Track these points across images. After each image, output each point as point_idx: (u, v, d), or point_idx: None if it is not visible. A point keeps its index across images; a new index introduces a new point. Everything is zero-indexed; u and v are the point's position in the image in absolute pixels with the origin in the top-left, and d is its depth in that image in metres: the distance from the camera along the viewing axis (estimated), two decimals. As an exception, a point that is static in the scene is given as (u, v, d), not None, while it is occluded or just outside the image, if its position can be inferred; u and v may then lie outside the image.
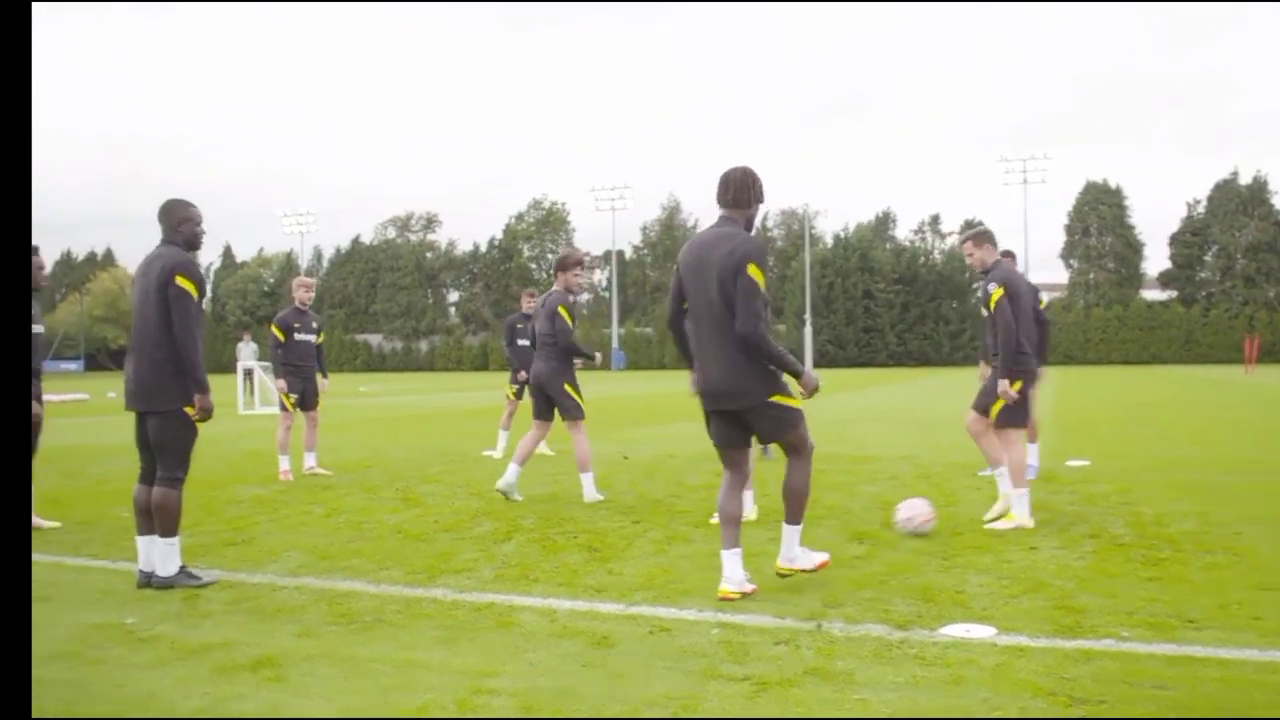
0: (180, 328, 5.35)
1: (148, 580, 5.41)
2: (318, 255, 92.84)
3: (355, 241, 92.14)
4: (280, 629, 4.55)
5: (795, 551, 5.22)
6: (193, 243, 5.66)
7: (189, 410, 5.45)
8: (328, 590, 5.30)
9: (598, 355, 8.76)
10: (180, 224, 5.59)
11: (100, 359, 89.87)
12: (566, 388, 8.38)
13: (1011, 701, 3.58)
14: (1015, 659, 4.06)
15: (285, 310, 10.36)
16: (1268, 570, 5.56)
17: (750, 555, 5.85)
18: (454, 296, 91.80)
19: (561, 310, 8.33)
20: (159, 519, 5.40)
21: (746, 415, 5.06)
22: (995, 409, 7.08)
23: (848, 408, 20.66)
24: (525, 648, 4.24)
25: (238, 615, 4.81)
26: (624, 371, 64.26)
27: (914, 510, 6.71)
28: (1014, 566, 5.71)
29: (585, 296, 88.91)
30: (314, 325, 10.32)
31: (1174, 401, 22.48)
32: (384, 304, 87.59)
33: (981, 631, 4.44)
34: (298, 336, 10.18)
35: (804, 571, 5.22)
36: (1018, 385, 6.97)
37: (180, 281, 5.38)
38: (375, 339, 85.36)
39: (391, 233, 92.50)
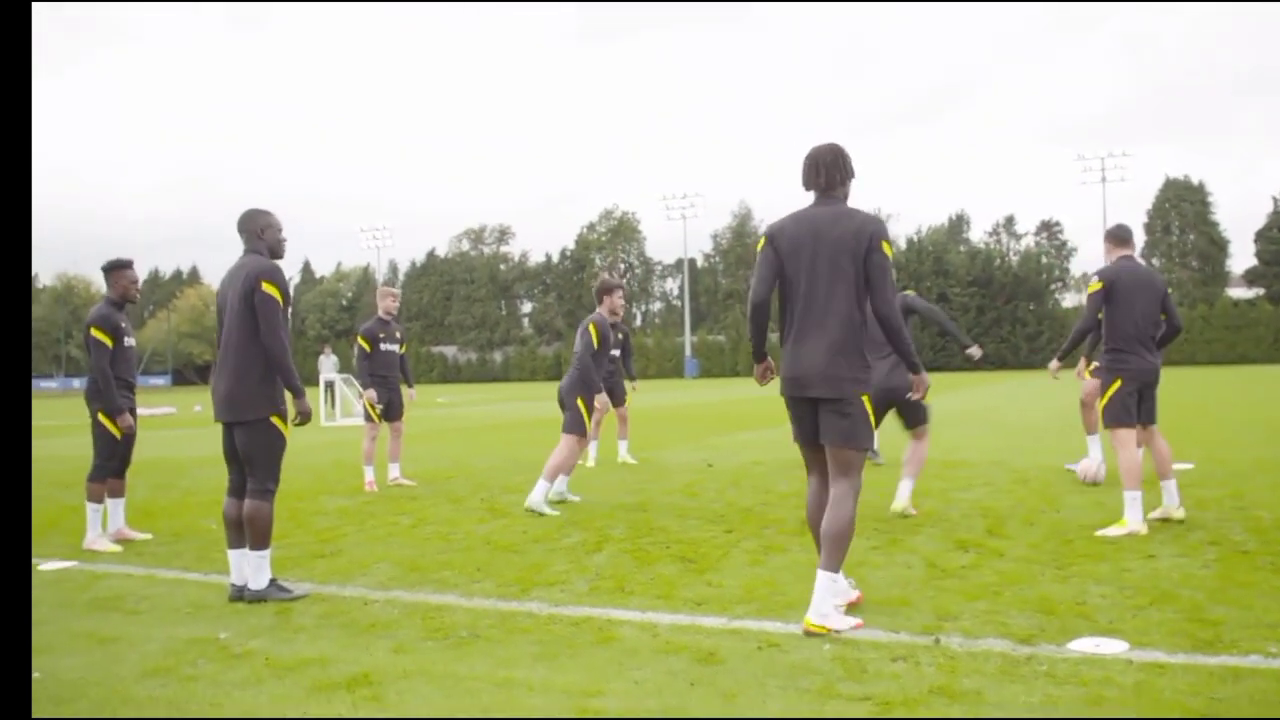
0: (267, 333, 5.30)
1: (240, 594, 5.35)
2: (394, 269, 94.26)
3: (430, 255, 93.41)
4: (375, 644, 4.43)
5: (829, 606, 4.47)
6: (276, 250, 5.62)
7: (276, 420, 5.41)
8: (420, 604, 5.18)
9: (599, 394, 8.69)
10: (263, 231, 5.57)
11: (186, 374, 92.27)
12: (579, 403, 8.53)
13: (1160, 725, 3.31)
14: (1155, 677, 3.76)
15: (370, 321, 10.34)
16: None
17: (851, 566, 5.61)
18: (527, 307, 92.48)
19: (591, 329, 8.60)
20: (250, 531, 5.34)
21: (823, 409, 4.63)
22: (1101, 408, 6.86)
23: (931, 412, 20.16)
24: (629, 664, 4.06)
25: (331, 630, 4.71)
26: (696, 379, 63.98)
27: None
28: (1135, 576, 5.38)
29: (657, 305, 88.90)
30: (398, 335, 10.29)
31: (1271, 400, 21.53)
32: (458, 316, 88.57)
33: (1113, 646, 4.14)
34: (383, 347, 10.16)
35: (835, 632, 4.38)
36: (1117, 383, 6.74)
37: (266, 288, 5.33)
38: (450, 350, 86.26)
39: (465, 245, 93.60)
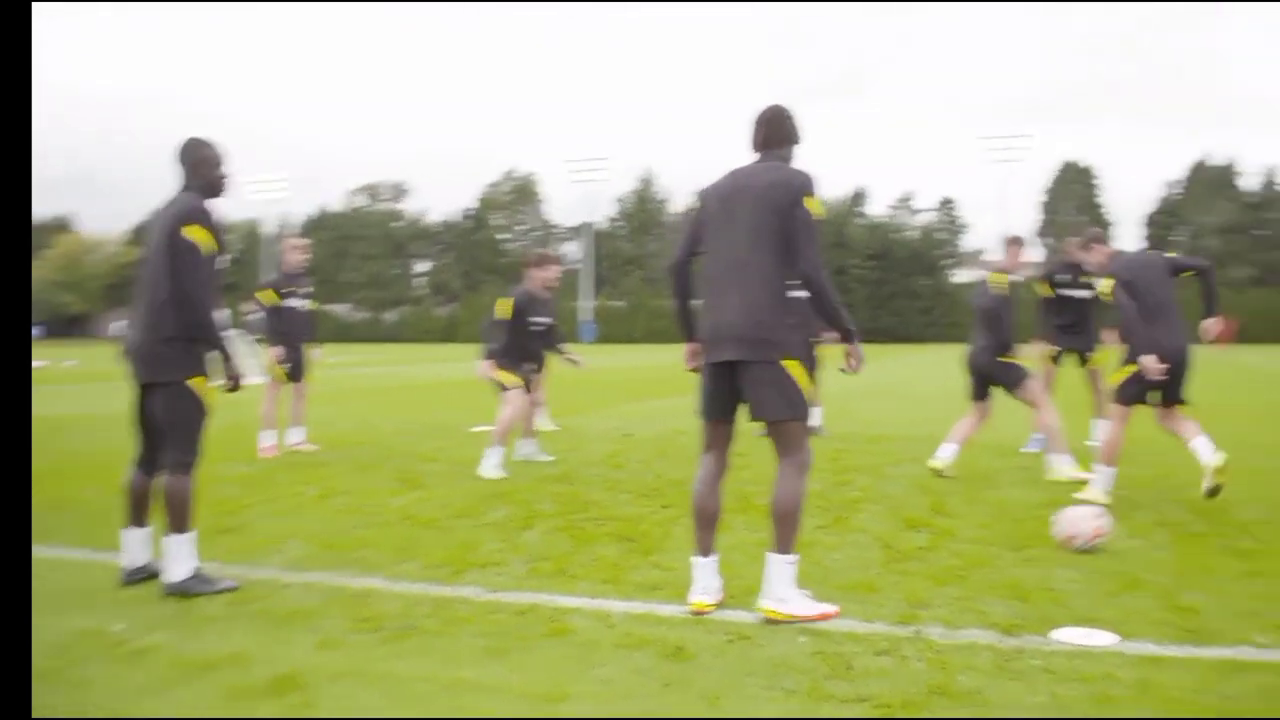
0: (188, 284, 4.52)
1: (133, 579, 4.75)
2: (284, 222, 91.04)
3: (323, 210, 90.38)
4: (297, 639, 3.92)
5: (787, 591, 4.16)
6: (212, 187, 4.78)
7: (197, 383, 4.64)
8: (342, 588, 4.67)
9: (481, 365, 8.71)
10: (197, 166, 4.75)
11: (57, 326, 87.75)
12: (500, 374, 8.47)
13: (1181, 729, 3.06)
14: (1155, 672, 3.54)
15: (275, 275, 9.66)
16: (1372, 564, 5.08)
17: (803, 546, 5.31)
18: (423, 266, 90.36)
19: (502, 305, 8.46)
20: (168, 512, 4.59)
21: (746, 376, 4.21)
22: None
23: (842, 383, 20.17)
24: (590, 661, 3.65)
25: (244, 621, 4.17)
26: (595, 345, 63.57)
27: (1079, 523, 5.38)
28: (1097, 559, 5.20)
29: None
30: (304, 291, 9.62)
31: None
32: (351, 274, 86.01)
33: (1102, 638, 3.91)
34: (290, 303, 9.49)
35: (799, 619, 4.09)
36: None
37: (187, 232, 4.53)
38: (342, 309, 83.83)
39: (360, 201, 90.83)
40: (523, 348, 8.49)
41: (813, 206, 4.20)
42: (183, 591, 4.51)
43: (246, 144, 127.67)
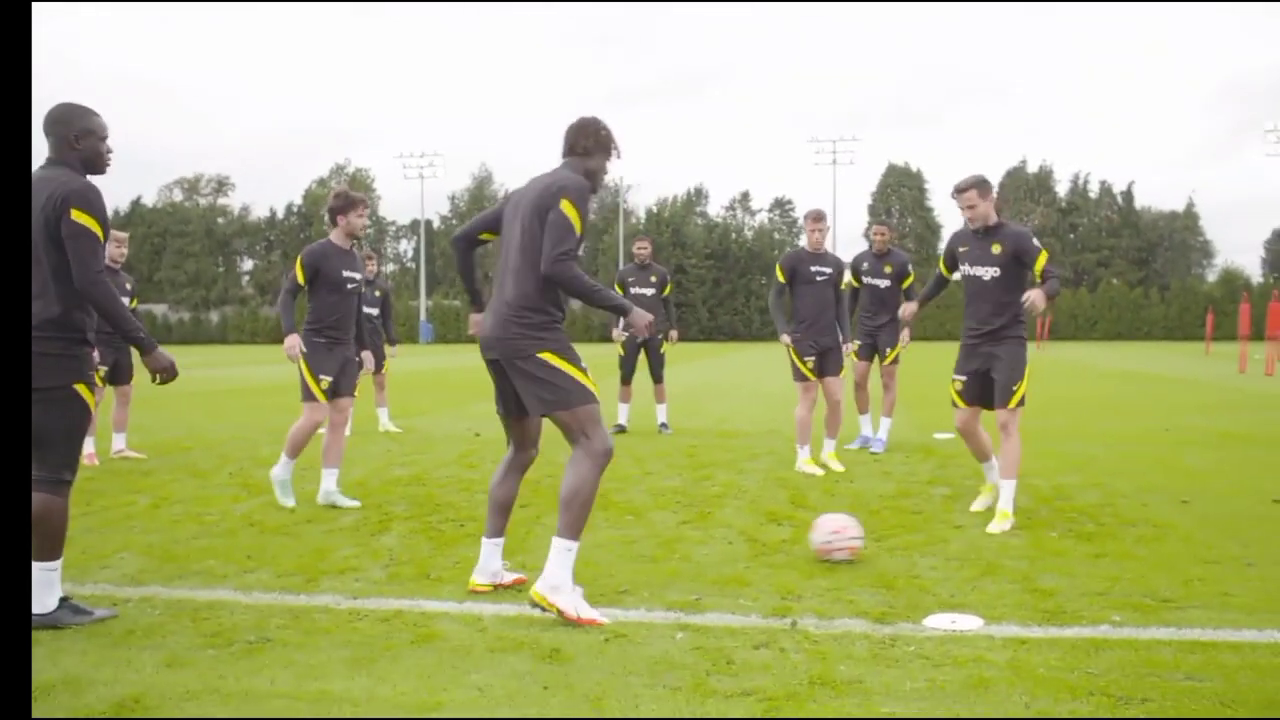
0: (83, 276, 3.96)
1: None
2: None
3: (136, 203, 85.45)
4: (138, 658, 3.59)
5: (563, 578, 4.04)
6: (93, 164, 4.15)
7: (82, 389, 4.10)
8: (185, 601, 4.33)
9: (288, 335, 6.60)
10: (79, 138, 4.08)
11: None
12: (300, 366, 6.62)
13: (1055, 704, 3.14)
14: (1023, 653, 3.63)
15: None
16: (1197, 543, 5.42)
17: (670, 543, 5.26)
18: (248, 265, 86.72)
19: (297, 262, 6.60)
20: (38, 536, 3.93)
21: (511, 374, 4.26)
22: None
23: (688, 381, 20.38)
24: (463, 667, 3.48)
25: (75, 641, 3.79)
26: (432, 344, 62.41)
27: (836, 530, 5.07)
28: (954, 547, 5.35)
29: (391, 267, 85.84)
30: (127, 287, 8.96)
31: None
32: (170, 271, 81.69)
33: (968, 623, 4.00)
34: None
35: (562, 614, 3.96)
36: None
37: (78, 217, 3.93)
38: (160, 309, 79.41)
39: (178, 195, 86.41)
40: (333, 320, 6.58)
41: (566, 208, 4.18)
42: (54, 624, 3.94)
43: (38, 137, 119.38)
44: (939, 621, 4.02)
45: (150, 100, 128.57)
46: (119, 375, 8.94)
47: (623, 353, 10.82)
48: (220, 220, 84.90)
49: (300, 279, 6.52)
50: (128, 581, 4.67)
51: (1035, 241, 6.08)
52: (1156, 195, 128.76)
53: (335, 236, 6.59)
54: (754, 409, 13.95)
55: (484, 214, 4.62)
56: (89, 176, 4.12)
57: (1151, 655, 3.60)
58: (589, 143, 4.45)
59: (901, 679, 3.37)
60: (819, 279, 8.05)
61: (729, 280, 69.91)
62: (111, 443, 9.04)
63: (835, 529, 4.99)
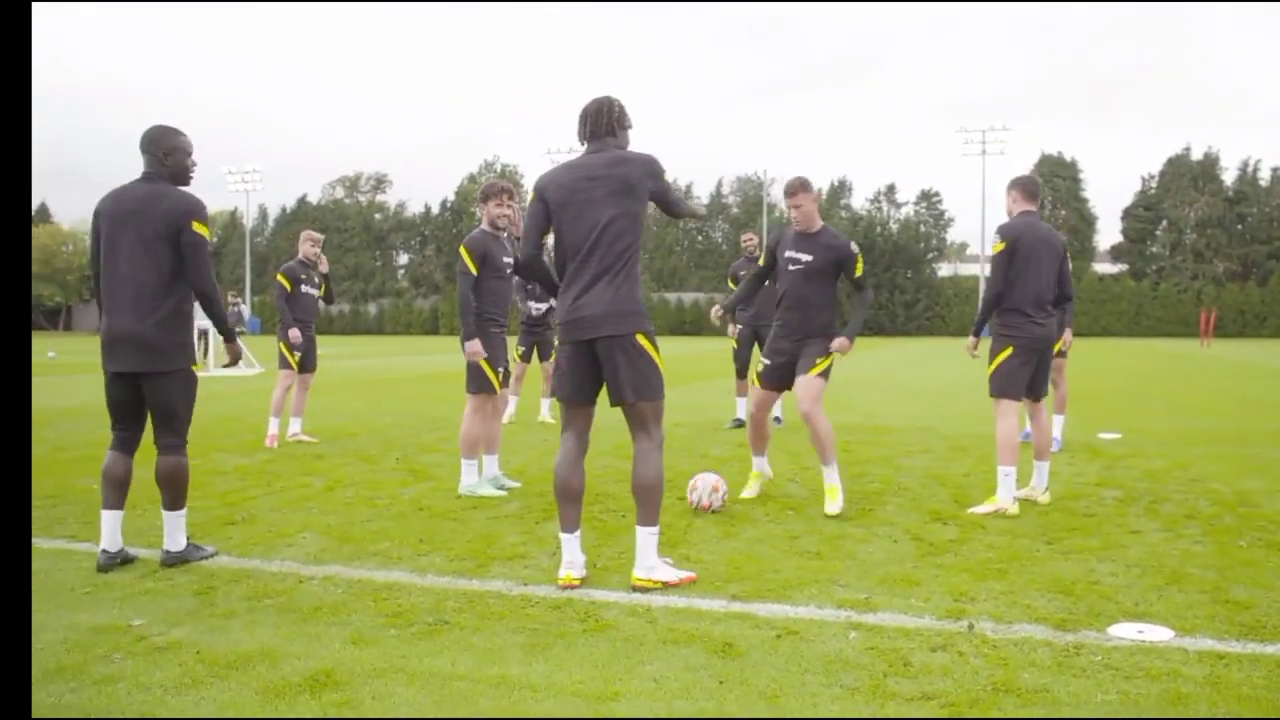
0: (200, 279, 4.75)
1: (112, 561, 4.69)
2: (263, 214, 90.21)
3: (302, 201, 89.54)
4: (327, 634, 3.76)
5: (655, 559, 4.45)
6: (179, 177, 4.87)
7: (195, 369, 4.89)
8: (365, 581, 4.51)
9: (471, 340, 6.57)
10: (168, 154, 4.80)
11: (35, 319, 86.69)
12: (481, 363, 6.66)
13: (1263, 729, 2.94)
14: (1221, 669, 3.42)
15: (291, 261, 9.60)
16: None
17: (832, 541, 5.18)
18: (403, 259, 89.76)
19: (462, 252, 6.61)
20: (170, 491, 4.81)
21: (610, 354, 4.42)
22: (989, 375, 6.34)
23: (836, 375, 20.09)
24: (637, 658, 3.50)
25: (268, 615, 4.00)
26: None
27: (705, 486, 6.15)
28: (1133, 553, 5.09)
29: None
30: (317, 280, 9.53)
31: (1159, 373, 22.26)
32: (332, 265, 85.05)
33: (1158, 634, 3.80)
34: (304, 289, 9.40)
35: (666, 585, 4.37)
36: (1008, 351, 6.19)
37: (198, 229, 4.71)
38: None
39: (340, 193, 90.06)
40: (499, 308, 6.74)
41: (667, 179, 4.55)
42: (184, 559, 4.81)
43: (218, 132, 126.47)
44: (1125, 631, 3.83)
45: (308, 103, 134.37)
46: (307, 362, 9.44)
47: (736, 345, 10.66)
48: (378, 216, 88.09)
49: (472, 268, 6.56)
50: (310, 560, 4.89)
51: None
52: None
53: (486, 225, 6.72)
54: (902, 405, 13.62)
55: (533, 223, 4.65)
56: (179, 186, 4.83)
57: (1368, 677, 3.35)
58: (612, 123, 4.58)
59: (1091, 690, 3.23)
60: (791, 267, 6.40)
61: (874, 274, 68.44)
62: (288, 426, 9.49)
63: (715, 486, 6.06)
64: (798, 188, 6.22)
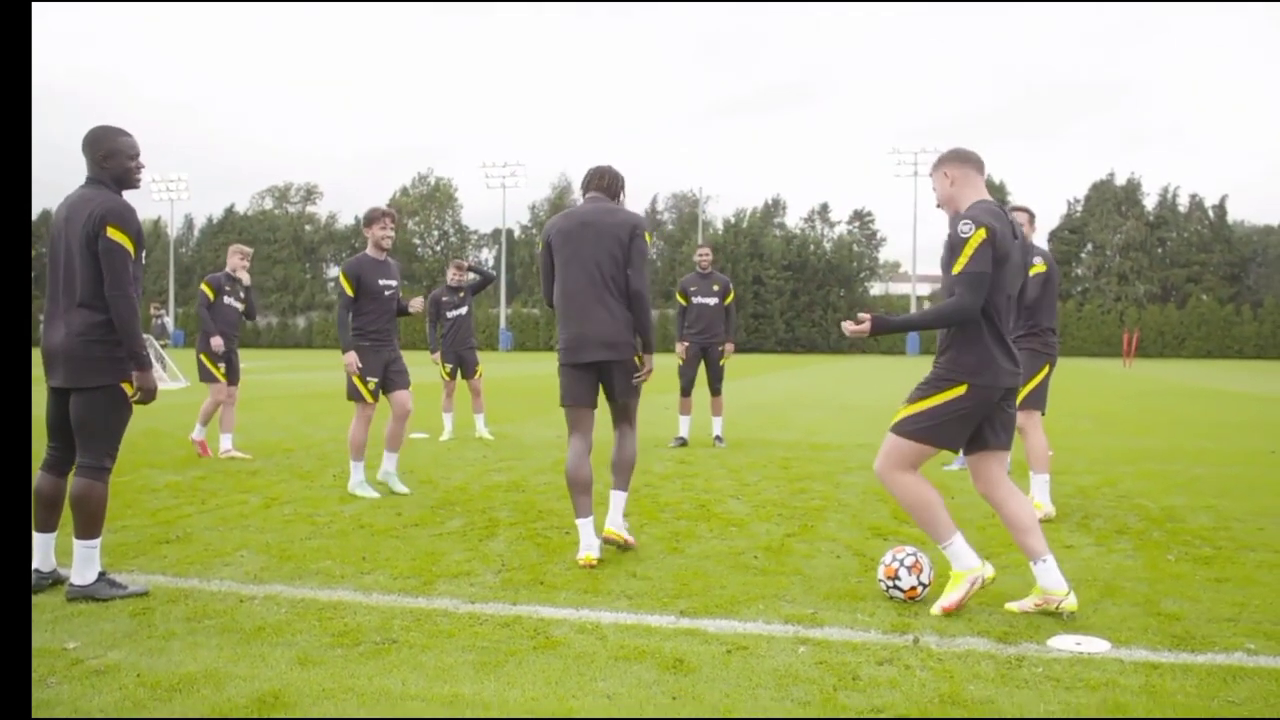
0: (114, 290, 4.36)
1: (44, 581, 4.50)
2: (188, 224, 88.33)
3: (229, 211, 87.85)
4: (272, 654, 3.69)
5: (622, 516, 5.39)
6: (124, 181, 4.58)
7: (126, 387, 4.50)
8: (308, 600, 4.43)
9: (347, 352, 7.29)
10: (106, 158, 4.51)
11: (37, 327, 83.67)
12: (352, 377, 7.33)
13: (1199, 737, 3.04)
14: (1157, 679, 3.53)
15: (218, 273, 9.59)
16: (1327, 569, 5.21)
17: (777, 553, 5.22)
18: (333, 271, 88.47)
19: (341, 277, 7.26)
20: (80, 516, 4.42)
21: (614, 371, 5.37)
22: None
23: (773, 393, 20.29)
24: (589, 675, 3.50)
25: (209, 635, 3.92)
26: (510, 352, 63.04)
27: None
28: (1068, 567, 5.18)
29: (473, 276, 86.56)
30: (241, 294, 9.44)
31: (1081, 391, 22.84)
32: (259, 277, 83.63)
33: (1095, 645, 3.91)
34: (227, 300, 9.37)
35: (627, 543, 5.37)
36: (1046, 369, 6.86)
37: (113, 234, 4.35)
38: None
39: (269, 203, 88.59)
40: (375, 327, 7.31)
41: (647, 239, 5.44)
42: (90, 596, 4.38)
43: (144, 138, 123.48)
44: (1064, 643, 3.93)
45: (234, 112, 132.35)
46: (232, 374, 9.35)
47: (682, 362, 10.71)
48: (308, 228, 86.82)
49: (349, 290, 7.20)
50: (251, 579, 4.80)
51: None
52: (1252, 209, 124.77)
53: (370, 249, 7.36)
54: (840, 423, 13.80)
55: (544, 272, 5.46)
56: (124, 192, 4.57)
57: (1295, 686, 3.47)
58: (617, 187, 5.52)
59: (1034, 701, 3.30)
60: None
61: (807, 292, 69.35)
62: (219, 443, 9.31)
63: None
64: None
